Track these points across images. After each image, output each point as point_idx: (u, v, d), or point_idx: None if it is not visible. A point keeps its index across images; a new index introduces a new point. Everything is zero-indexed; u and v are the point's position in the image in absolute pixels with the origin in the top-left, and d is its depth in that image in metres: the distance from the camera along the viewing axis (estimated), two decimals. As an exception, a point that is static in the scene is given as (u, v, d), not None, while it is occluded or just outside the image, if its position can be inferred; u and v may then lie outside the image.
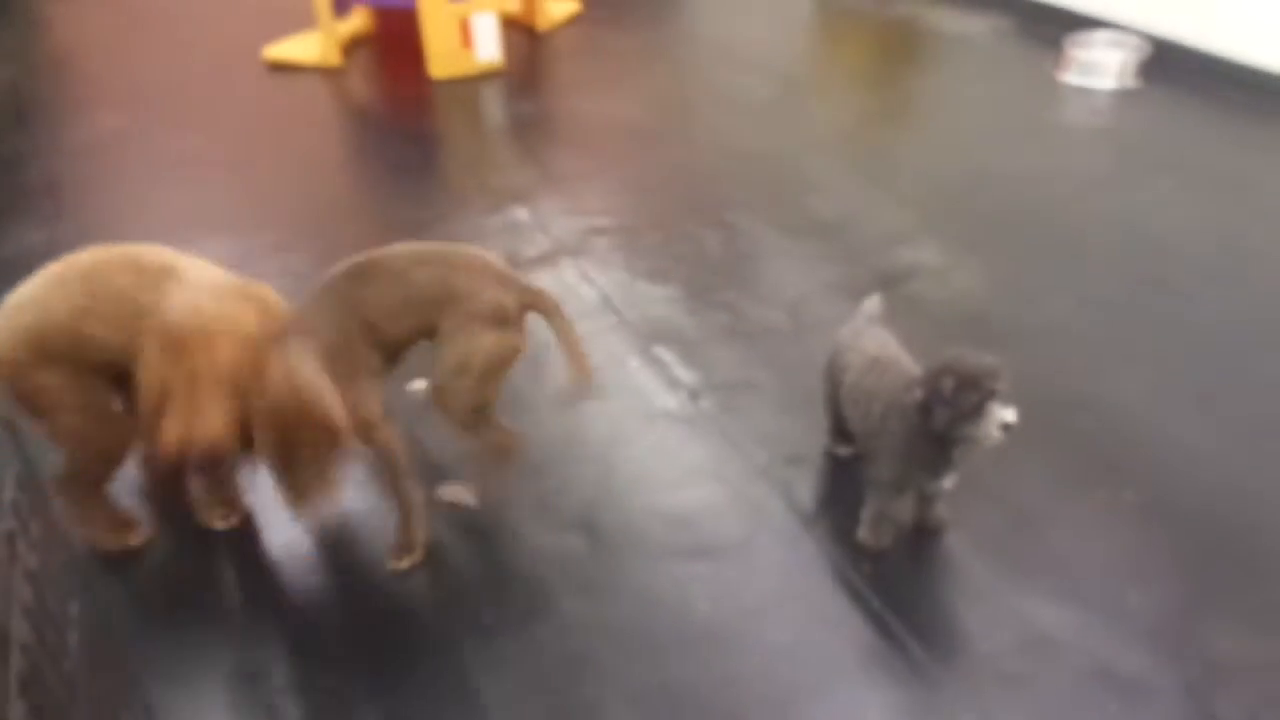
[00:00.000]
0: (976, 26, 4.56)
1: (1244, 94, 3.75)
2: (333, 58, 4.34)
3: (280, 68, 4.37)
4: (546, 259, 2.94)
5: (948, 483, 1.80)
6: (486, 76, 4.23)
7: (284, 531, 2.05)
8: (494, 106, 4.05)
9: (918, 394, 1.64)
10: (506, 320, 1.87)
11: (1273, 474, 2.10)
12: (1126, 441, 2.19)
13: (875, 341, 1.88)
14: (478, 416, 1.95)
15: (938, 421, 1.62)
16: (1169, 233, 2.96)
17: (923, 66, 4.39)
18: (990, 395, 1.58)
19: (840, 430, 2.04)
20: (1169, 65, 3.91)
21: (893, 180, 3.33)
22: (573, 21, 4.87)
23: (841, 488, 2.10)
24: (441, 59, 4.16)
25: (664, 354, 2.53)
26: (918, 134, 3.73)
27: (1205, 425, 2.23)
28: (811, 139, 3.64)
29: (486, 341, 1.86)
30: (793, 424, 2.27)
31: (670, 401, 2.37)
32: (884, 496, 1.84)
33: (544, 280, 2.83)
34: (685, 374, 2.46)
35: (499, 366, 1.90)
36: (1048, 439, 2.18)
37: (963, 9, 4.74)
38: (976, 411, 1.59)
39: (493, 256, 1.95)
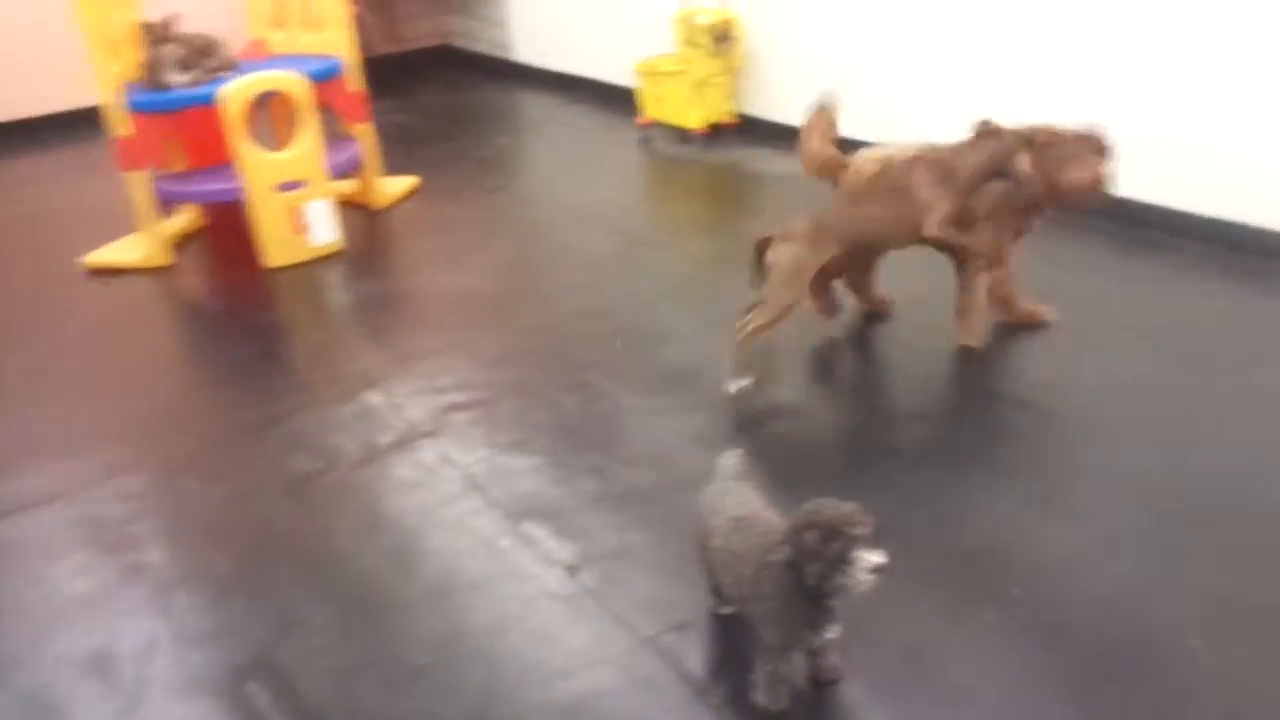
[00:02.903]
0: (793, 166, 4.82)
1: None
2: (159, 257, 4.21)
3: (105, 273, 4.20)
4: (403, 444, 2.84)
5: (832, 633, 1.77)
6: (326, 260, 4.18)
7: None
8: (336, 290, 3.99)
9: (785, 552, 1.63)
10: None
11: (1157, 574, 2.16)
12: (1008, 554, 2.23)
13: (737, 500, 1.86)
14: None
15: (809, 577, 1.60)
16: (1006, 350, 3.13)
17: (752, 208, 4.60)
18: (855, 541, 1.58)
19: (720, 592, 2.00)
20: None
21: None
22: (411, 196, 4.91)
23: (733, 648, 2.04)
24: (276, 248, 4.09)
25: (535, 530, 2.45)
26: (757, 273, 3.86)
27: (1082, 531, 2.29)
28: (657, 290, 3.73)
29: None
30: (676, 587, 2.22)
31: (549, 581, 2.28)
32: (773, 659, 1.79)
33: (402, 467, 2.74)
34: (560, 548, 2.38)
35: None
36: (929, 563, 2.20)
37: (778, 150, 5.02)
38: (844, 560, 1.58)
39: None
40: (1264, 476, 2.42)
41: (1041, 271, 3.22)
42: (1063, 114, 2.94)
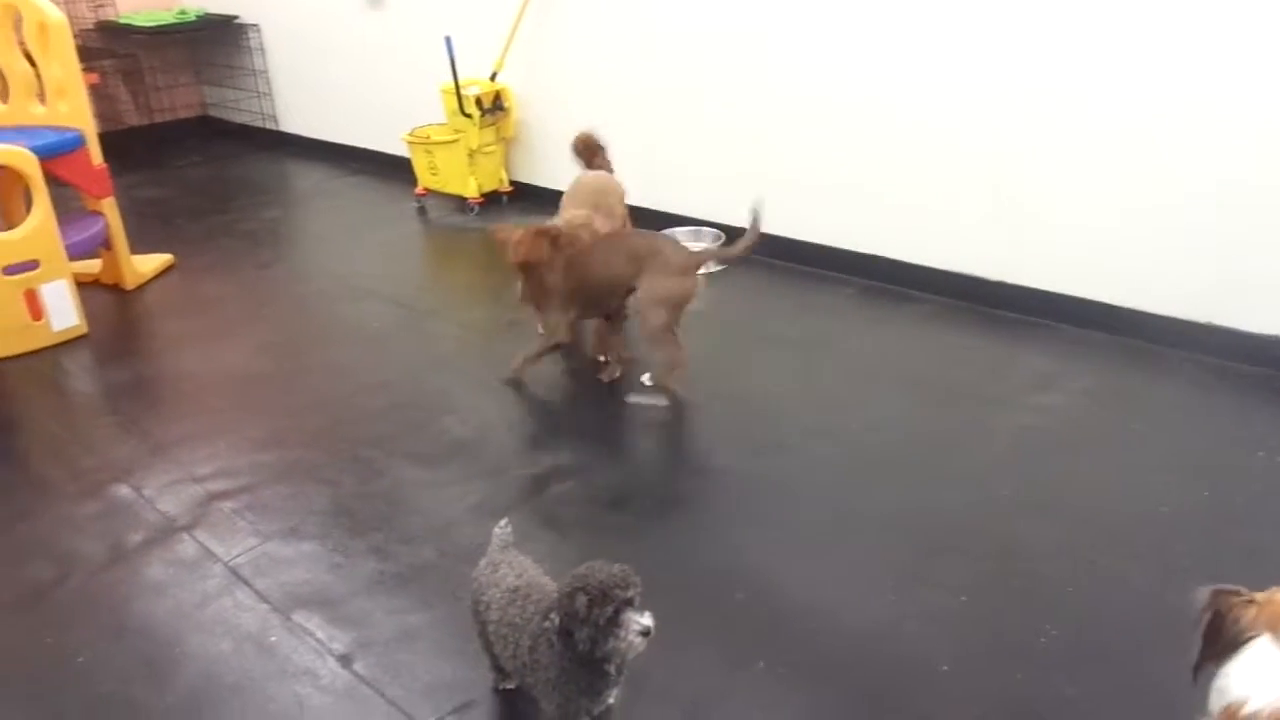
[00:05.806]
0: (573, 232, 4.90)
1: (806, 266, 4.31)
2: None
3: None
4: (156, 541, 2.61)
5: (612, 699, 1.75)
6: (67, 346, 3.83)
7: None
8: (80, 378, 3.66)
9: (555, 620, 1.60)
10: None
11: (906, 606, 2.28)
12: (774, 601, 2.29)
13: (513, 571, 1.82)
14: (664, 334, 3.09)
15: (580, 643, 1.58)
16: (774, 398, 3.27)
17: (532, 274, 4.61)
18: (623, 604, 1.57)
19: (500, 666, 1.94)
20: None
21: (519, 387, 3.41)
22: (166, 274, 4.61)
23: (518, 724, 1.99)
24: (7, 336, 3.71)
25: (308, 621, 2.30)
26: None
27: (838, 572, 2.40)
28: (437, 360, 3.65)
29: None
30: (458, 667, 2.13)
31: (321, 674, 2.14)
32: (556, 730, 1.74)
33: (154, 566, 2.51)
34: (335, 638, 2.25)
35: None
36: (704, 618, 2.23)
37: (551, 217, 5.08)
38: (614, 624, 1.57)
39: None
40: (990, 510, 2.63)
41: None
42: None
